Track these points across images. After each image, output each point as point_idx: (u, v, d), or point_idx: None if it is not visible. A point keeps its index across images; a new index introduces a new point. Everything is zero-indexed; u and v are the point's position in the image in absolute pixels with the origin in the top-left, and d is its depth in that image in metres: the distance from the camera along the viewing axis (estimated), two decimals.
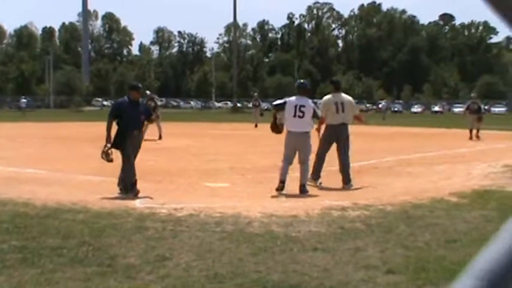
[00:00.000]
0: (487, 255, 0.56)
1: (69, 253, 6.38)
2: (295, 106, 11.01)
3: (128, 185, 10.41)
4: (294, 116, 10.98)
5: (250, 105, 47.47)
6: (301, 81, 12.13)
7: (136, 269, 5.88)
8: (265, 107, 43.42)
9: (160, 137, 24.13)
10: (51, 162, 15.22)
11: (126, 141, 10.60)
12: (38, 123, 37.99)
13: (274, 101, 12.45)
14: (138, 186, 10.42)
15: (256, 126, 34.21)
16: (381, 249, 6.70)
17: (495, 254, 0.56)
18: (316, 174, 11.99)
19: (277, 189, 10.73)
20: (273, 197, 10.45)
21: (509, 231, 0.56)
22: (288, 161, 11.04)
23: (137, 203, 9.53)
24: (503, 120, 45.68)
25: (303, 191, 10.80)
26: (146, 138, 23.90)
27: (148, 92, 26.29)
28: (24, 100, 68.24)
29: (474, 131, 26.53)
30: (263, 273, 5.78)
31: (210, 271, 5.83)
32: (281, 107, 11.18)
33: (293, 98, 11.16)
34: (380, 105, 75.95)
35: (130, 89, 11.17)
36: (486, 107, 61.47)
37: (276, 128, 11.48)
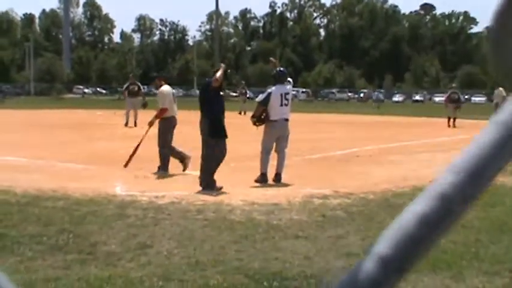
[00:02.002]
0: (465, 154, 0.57)
1: (49, 240, 6.34)
2: (281, 95, 10.95)
3: (211, 181, 9.88)
4: (281, 105, 10.92)
5: (237, 93, 47.97)
6: (281, 69, 12.05)
7: (117, 257, 5.86)
8: (248, 96, 43.81)
9: (135, 125, 24.05)
10: (32, 150, 15.10)
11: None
12: (18, 111, 37.71)
13: (257, 95, 12.16)
14: (118, 173, 10.37)
15: (240, 113, 34.27)
16: (362, 237, 6.73)
17: (473, 151, 0.57)
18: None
19: (257, 181, 10.62)
20: (255, 186, 10.44)
21: (486, 135, 0.57)
22: (268, 151, 10.96)
23: (118, 190, 9.49)
24: (483, 109, 45.88)
25: (278, 180, 10.76)
26: (130, 125, 24.10)
27: (131, 75, 28.05)
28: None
29: (451, 120, 27.64)
30: (245, 261, 5.79)
31: (191, 259, 5.82)
32: (267, 100, 11.00)
33: (274, 88, 11.03)
34: (373, 96, 76.24)
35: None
36: (466, 97, 61.89)
37: (261, 121, 11.19)
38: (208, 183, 9.81)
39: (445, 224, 0.56)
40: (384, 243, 0.57)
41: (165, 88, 12.56)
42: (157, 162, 13.16)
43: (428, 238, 0.56)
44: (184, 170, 11.85)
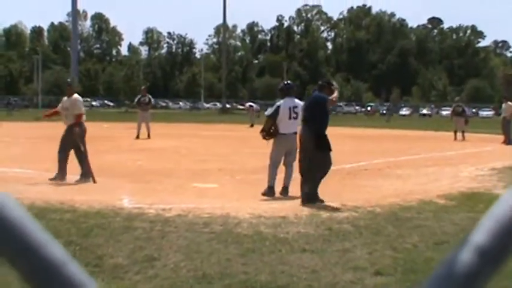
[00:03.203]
0: (481, 230, 0.56)
1: None
2: (289, 108, 10.93)
3: (315, 193, 9.93)
4: (290, 118, 10.89)
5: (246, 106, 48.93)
6: (288, 82, 12.05)
7: (124, 269, 5.85)
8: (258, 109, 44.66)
9: (148, 136, 24.44)
10: (39, 162, 15.13)
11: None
12: (25, 123, 37.80)
13: (267, 110, 12.14)
14: (125, 186, 10.37)
15: (252, 126, 34.69)
16: (369, 251, 6.70)
17: (489, 228, 0.56)
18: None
19: (264, 194, 10.59)
20: (262, 199, 10.42)
21: (503, 206, 0.56)
22: (276, 165, 10.94)
23: (125, 203, 9.49)
24: (491, 123, 45.91)
25: (285, 193, 10.74)
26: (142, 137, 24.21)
27: (143, 87, 28.49)
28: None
29: (459, 133, 27.93)
30: (251, 274, 5.77)
31: (198, 271, 5.81)
32: (276, 113, 10.98)
33: (283, 102, 11.01)
34: (384, 110, 76.64)
35: (322, 86, 10.65)
36: (474, 111, 61.79)
37: (271, 135, 11.10)
38: (311, 196, 9.86)
39: None
40: (481, 234, 0.56)
41: (78, 96, 13.02)
42: (163, 175, 13.18)
43: None
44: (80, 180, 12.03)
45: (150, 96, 26.15)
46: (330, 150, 10.23)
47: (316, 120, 10.21)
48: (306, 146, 10.15)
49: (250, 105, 42.23)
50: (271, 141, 11.13)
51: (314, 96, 10.73)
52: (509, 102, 27.33)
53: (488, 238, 0.54)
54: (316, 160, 10.01)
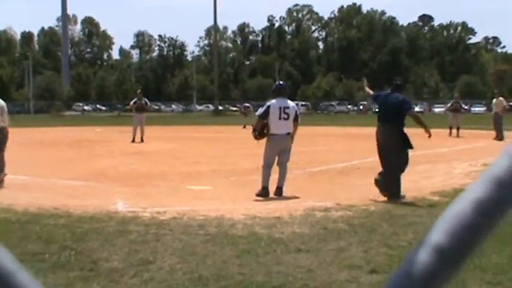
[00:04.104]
0: (439, 229, 0.56)
1: (51, 258, 6.33)
2: (280, 108, 10.93)
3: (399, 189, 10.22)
4: (280, 118, 10.89)
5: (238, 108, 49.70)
6: (280, 82, 12.07)
7: (119, 273, 5.84)
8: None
9: (142, 140, 24.39)
10: (32, 168, 15.10)
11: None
12: (17, 129, 37.66)
13: (257, 110, 12.19)
14: (119, 190, 10.35)
15: (244, 127, 34.54)
16: (364, 249, 6.72)
17: (447, 227, 0.56)
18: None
19: (258, 195, 10.60)
20: (256, 200, 10.43)
21: (464, 202, 0.56)
22: (269, 165, 10.95)
23: (119, 207, 9.48)
24: (483, 119, 45.96)
25: (279, 193, 10.75)
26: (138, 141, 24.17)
27: (138, 91, 28.52)
28: None
29: (454, 130, 28.27)
30: (247, 275, 5.77)
31: (194, 274, 5.81)
32: (267, 113, 11.01)
33: (274, 101, 11.01)
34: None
35: (399, 86, 11.16)
36: (466, 107, 61.88)
37: (262, 135, 11.15)
38: (396, 193, 10.10)
39: (502, 210, 0.55)
40: (439, 233, 0.55)
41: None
42: (157, 178, 13.18)
43: (485, 225, 0.54)
44: None
45: (146, 100, 26.16)
46: (412, 148, 10.62)
47: (401, 120, 10.54)
48: (391, 144, 10.44)
49: (247, 106, 42.17)
50: (264, 141, 11.13)
51: (403, 98, 10.91)
52: (500, 98, 27.42)
53: (448, 237, 0.54)
54: (401, 157, 10.37)
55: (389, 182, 10.20)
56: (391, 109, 10.54)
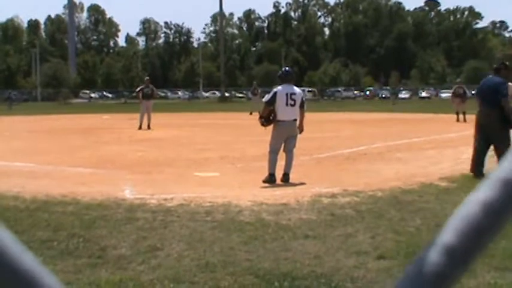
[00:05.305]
0: (450, 230, 0.56)
1: (60, 245, 6.36)
2: (286, 94, 10.89)
3: None
4: (287, 104, 10.85)
5: (250, 94, 49.52)
6: (286, 68, 12.02)
7: (127, 260, 5.87)
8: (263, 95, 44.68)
9: (148, 127, 24.45)
10: (40, 155, 15.15)
11: None
12: (25, 117, 37.83)
13: (264, 96, 12.15)
14: (127, 177, 10.37)
15: (251, 113, 34.32)
16: (372, 235, 6.72)
17: (458, 227, 0.56)
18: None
19: (265, 181, 10.58)
20: (263, 186, 10.43)
21: (471, 204, 0.56)
22: (276, 151, 10.92)
23: (127, 194, 9.51)
24: None
25: (286, 180, 10.74)
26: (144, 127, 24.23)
27: (146, 78, 28.30)
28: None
29: (461, 115, 27.91)
30: (254, 262, 5.79)
31: (201, 260, 5.82)
32: (274, 99, 10.97)
33: (281, 87, 10.98)
34: (383, 94, 76.94)
35: (498, 69, 11.64)
36: (473, 92, 61.66)
37: (269, 122, 11.06)
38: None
39: (510, 211, 0.55)
40: (449, 234, 0.56)
41: None
42: (164, 165, 13.20)
43: (493, 226, 0.55)
44: None
45: (153, 87, 26.21)
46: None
47: (501, 104, 10.85)
48: (500, 127, 10.75)
49: (255, 88, 42.00)
50: (271, 128, 11.11)
51: (499, 81, 11.34)
52: (510, 83, 27.28)
53: (457, 237, 0.54)
54: (506, 139, 10.70)
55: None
56: (494, 93, 11.11)
